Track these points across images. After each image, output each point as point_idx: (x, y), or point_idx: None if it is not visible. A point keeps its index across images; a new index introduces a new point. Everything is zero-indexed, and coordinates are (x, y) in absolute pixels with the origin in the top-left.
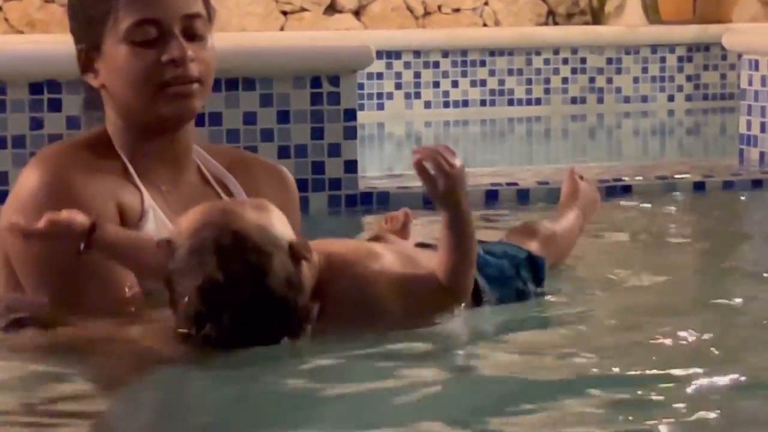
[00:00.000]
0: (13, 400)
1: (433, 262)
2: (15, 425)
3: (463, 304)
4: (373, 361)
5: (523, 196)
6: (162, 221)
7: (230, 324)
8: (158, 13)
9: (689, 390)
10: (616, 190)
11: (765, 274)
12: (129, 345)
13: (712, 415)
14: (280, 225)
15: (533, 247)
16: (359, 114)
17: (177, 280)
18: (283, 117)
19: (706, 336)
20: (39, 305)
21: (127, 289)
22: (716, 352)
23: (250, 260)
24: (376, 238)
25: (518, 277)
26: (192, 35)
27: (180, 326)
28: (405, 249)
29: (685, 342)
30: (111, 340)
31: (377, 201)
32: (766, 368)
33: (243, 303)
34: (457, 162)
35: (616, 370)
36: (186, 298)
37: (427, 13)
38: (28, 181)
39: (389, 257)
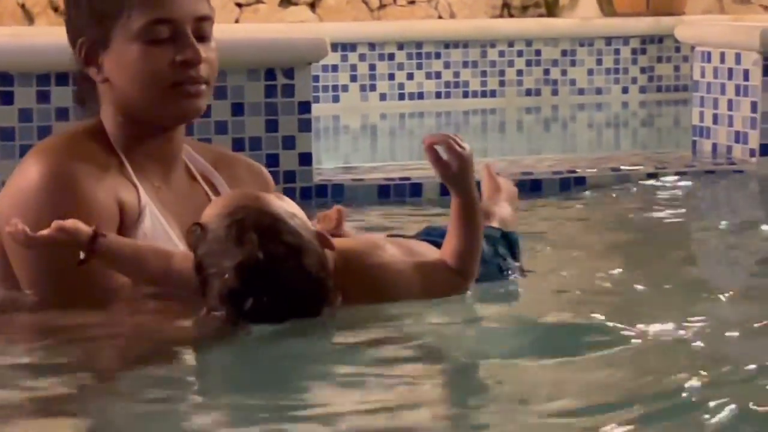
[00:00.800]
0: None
1: (429, 249)
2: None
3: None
4: (385, 342)
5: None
6: (157, 218)
7: (268, 301)
8: (173, 14)
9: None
10: (570, 182)
11: (714, 262)
12: (149, 325)
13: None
14: (303, 214)
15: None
16: (314, 106)
17: (211, 262)
18: (238, 109)
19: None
20: (35, 301)
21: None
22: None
23: (287, 240)
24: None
25: (498, 255)
26: (201, 37)
27: (212, 307)
28: (400, 240)
29: (655, 308)
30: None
31: (332, 194)
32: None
33: (282, 280)
34: (467, 145)
35: (607, 330)
36: (225, 276)
37: (382, 6)
38: (29, 174)
39: (393, 248)
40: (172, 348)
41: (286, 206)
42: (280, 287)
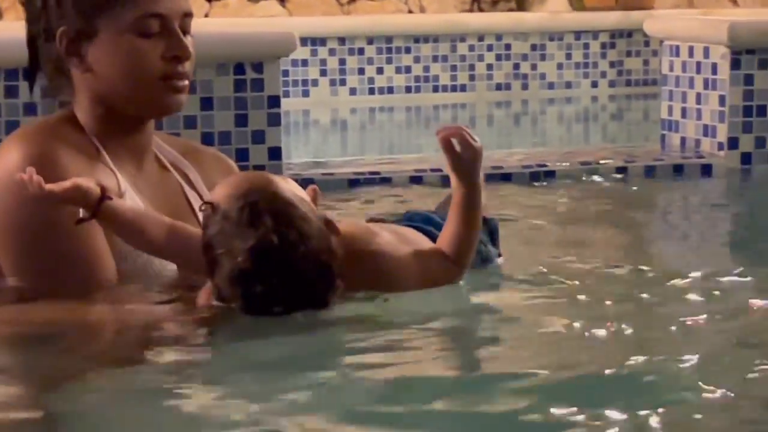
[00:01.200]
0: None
1: (418, 236)
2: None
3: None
4: (382, 329)
5: (446, 181)
6: (137, 203)
7: (277, 285)
8: (163, 9)
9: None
10: (539, 176)
11: (686, 253)
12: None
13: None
14: (309, 199)
15: None
16: (284, 101)
17: (222, 242)
18: (207, 104)
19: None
20: (19, 288)
21: (111, 275)
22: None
23: (299, 225)
24: None
25: (479, 242)
26: (185, 33)
27: (220, 288)
28: (391, 226)
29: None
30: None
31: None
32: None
33: (292, 265)
34: (478, 139)
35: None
36: (237, 258)
37: (351, 0)
38: (11, 157)
39: (388, 234)
40: (164, 338)
41: (295, 190)
42: (290, 272)
